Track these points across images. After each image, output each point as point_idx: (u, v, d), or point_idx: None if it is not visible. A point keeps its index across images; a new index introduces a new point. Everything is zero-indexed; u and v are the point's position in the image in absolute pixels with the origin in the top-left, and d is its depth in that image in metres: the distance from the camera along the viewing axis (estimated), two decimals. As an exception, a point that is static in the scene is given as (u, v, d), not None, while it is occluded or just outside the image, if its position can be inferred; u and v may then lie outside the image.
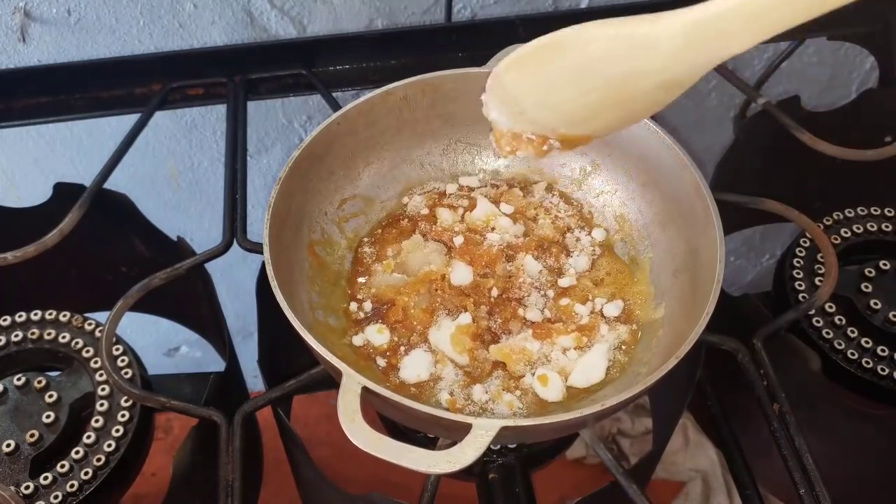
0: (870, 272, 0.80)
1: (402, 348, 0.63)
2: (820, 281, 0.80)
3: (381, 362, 0.63)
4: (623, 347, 0.64)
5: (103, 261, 0.94)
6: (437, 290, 0.66)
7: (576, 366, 0.62)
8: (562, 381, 0.61)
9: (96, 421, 0.70)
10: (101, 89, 0.91)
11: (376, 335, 0.64)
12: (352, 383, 0.51)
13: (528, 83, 0.48)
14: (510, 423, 0.49)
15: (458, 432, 0.49)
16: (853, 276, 0.80)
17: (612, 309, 0.66)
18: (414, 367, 0.62)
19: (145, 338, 1.40)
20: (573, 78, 0.46)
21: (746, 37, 0.39)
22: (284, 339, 0.64)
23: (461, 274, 0.66)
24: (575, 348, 0.63)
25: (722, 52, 0.40)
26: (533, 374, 0.62)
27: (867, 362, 0.74)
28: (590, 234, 0.72)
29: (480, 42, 0.94)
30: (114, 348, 0.74)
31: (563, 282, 0.68)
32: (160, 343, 1.46)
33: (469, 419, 0.49)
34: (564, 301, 0.67)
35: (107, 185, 0.81)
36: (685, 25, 0.40)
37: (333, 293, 0.67)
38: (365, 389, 0.50)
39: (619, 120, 0.50)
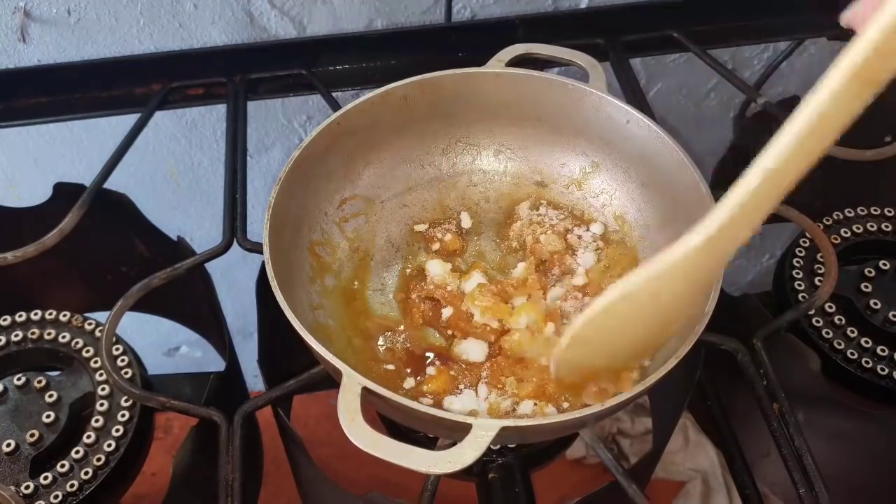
0: (870, 272, 0.80)
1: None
2: (820, 281, 0.80)
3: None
4: None
5: (103, 261, 0.94)
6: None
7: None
8: None
9: (96, 421, 0.70)
10: (101, 89, 0.91)
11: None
12: (352, 383, 0.51)
13: (589, 349, 0.52)
14: (510, 423, 0.49)
15: (458, 432, 0.49)
16: (853, 276, 0.80)
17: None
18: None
19: (145, 338, 1.40)
20: (624, 327, 0.50)
21: (747, 228, 0.43)
22: (284, 339, 0.64)
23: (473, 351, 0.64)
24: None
25: (733, 246, 0.44)
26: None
27: (867, 362, 0.74)
28: (588, 229, 0.72)
29: (480, 42, 0.94)
30: (114, 348, 0.74)
31: (576, 280, 0.68)
32: (160, 343, 1.46)
33: (469, 419, 0.49)
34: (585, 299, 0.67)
35: (107, 185, 0.81)
36: (702, 243, 0.43)
37: (346, 312, 0.67)
38: (365, 390, 0.50)
39: (673, 333, 0.55)
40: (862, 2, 0.41)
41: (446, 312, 0.66)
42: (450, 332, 0.65)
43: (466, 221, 0.74)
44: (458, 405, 0.60)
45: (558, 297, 0.67)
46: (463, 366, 0.63)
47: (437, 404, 0.60)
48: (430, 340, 0.66)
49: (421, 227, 0.73)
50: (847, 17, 0.42)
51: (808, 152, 0.42)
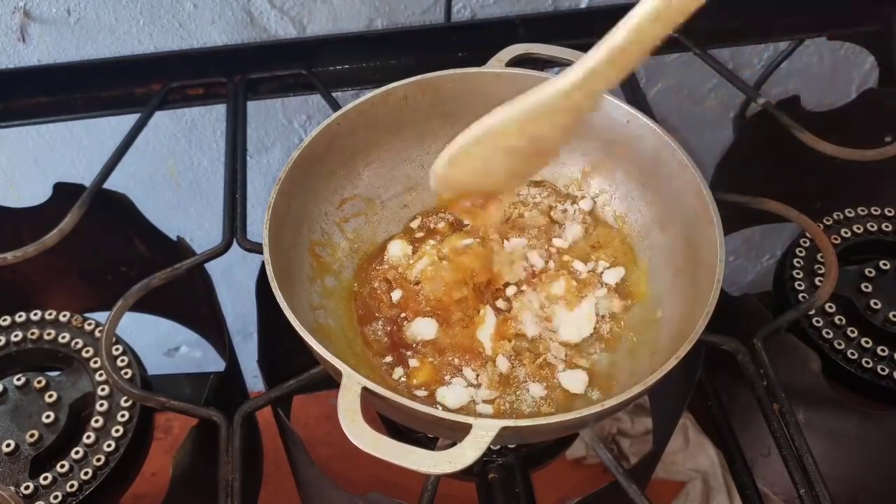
0: (870, 272, 0.80)
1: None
2: (820, 281, 0.80)
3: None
4: (613, 314, 0.66)
5: (103, 261, 0.94)
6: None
7: (563, 319, 0.65)
8: (585, 375, 0.62)
9: (96, 421, 0.70)
10: (101, 89, 0.91)
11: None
12: (352, 383, 0.51)
13: (466, 169, 0.57)
14: (510, 423, 0.49)
15: (458, 432, 0.49)
16: (853, 276, 0.80)
17: (612, 275, 0.67)
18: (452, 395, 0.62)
19: (145, 338, 1.39)
20: (498, 153, 0.56)
21: (610, 80, 0.51)
22: (284, 339, 0.64)
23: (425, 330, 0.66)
24: (564, 297, 0.66)
25: (599, 88, 0.51)
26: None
27: (867, 362, 0.74)
28: (575, 203, 0.72)
29: (480, 42, 0.94)
30: (114, 348, 0.74)
31: (558, 242, 0.70)
32: (160, 343, 1.46)
33: (469, 419, 0.49)
34: (565, 258, 0.69)
35: (107, 185, 0.81)
36: (569, 86, 0.50)
37: (347, 313, 0.67)
38: (365, 390, 0.50)
39: (543, 162, 0.62)
40: None
41: (396, 295, 0.67)
42: (402, 314, 0.66)
43: None
44: (451, 399, 0.60)
45: (523, 247, 0.69)
46: (438, 355, 0.63)
47: (431, 397, 0.61)
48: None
49: (415, 224, 0.73)
50: None
51: (644, 37, 0.50)
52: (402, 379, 0.62)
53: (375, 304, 0.67)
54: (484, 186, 0.60)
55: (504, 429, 0.49)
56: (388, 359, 0.64)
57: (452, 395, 0.60)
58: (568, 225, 0.71)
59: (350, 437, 0.48)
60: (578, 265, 0.69)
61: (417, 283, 0.67)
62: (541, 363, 0.63)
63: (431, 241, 0.70)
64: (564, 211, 0.72)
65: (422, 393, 0.61)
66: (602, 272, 0.68)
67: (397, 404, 0.51)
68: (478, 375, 0.62)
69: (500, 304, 0.66)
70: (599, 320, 0.66)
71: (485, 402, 0.61)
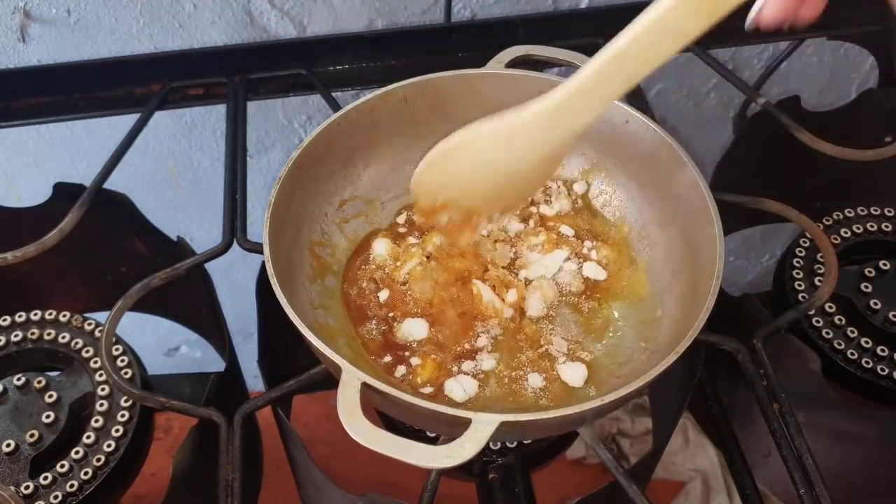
0: (870, 272, 0.80)
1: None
2: (820, 281, 0.80)
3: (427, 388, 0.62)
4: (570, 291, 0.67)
5: (103, 261, 0.94)
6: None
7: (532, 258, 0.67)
8: (584, 368, 0.62)
9: (96, 421, 0.70)
10: (101, 89, 0.91)
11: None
12: (351, 378, 0.51)
13: (442, 179, 0.58)
14: (510, 417, 0.49)
15: (457, 428, 0.49)
16: (853, 276, 0.80)
17: (592, 270, 0.68)
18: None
19: (145, 338, 1.39)
20: (475, 168, 0.56)
21: (592, 109, 0.50)
22: (284, 339, 0.64)
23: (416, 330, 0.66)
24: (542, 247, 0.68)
25: (580, 122, 0.51)
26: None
27: (867, 362, 0.74)
28: (564, 184, 0.74)
29: (480, 42, 0.94)
30: (114, 348, 0.74)
31: (544, 209, 0.71)
32: (160, 343, 1.46)
33: (469, 414, 0.49)
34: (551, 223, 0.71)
35: (107, 185, 0.81)
36: (547, 109, 0.50)
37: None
38: (364, 385, 0.50)
39: (521, 193, 0.63)
40: (765, 3, 0.47)
41: (383, 295, 0.67)
42: (390, 314, 0.66)
43: None
44: (458, 391, 0.60)
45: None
46: (440, 350, 0.63)
47: (439, 392, 0.61)
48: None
49: (401, 218, 0.73)
50: (752, 19, 0.48)
51: (650, 50, 0.46)
52: (409, 377, 0.62)
53: (366, 305, 0.67)
54: (460, 201, 0.60)
55: (503, 423, 0.49)
56: (388, 358, 0.64)
57: (459, 387, 0.60)
58: (555, 198, 0.72)
59: (349, 431, 0.48)
60: (566, 229, 0.70)
61: (405, 283, 0.67)
62: (542, 353, 0.63)
63: (413, 239, 0.70)
64: (549, 188, 0.73)
65: (427, 390, 0.61)
66: (588, 252, 0.69)
67: (396, 399, 0.51)
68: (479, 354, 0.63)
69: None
70: (563, 285, 0.67)
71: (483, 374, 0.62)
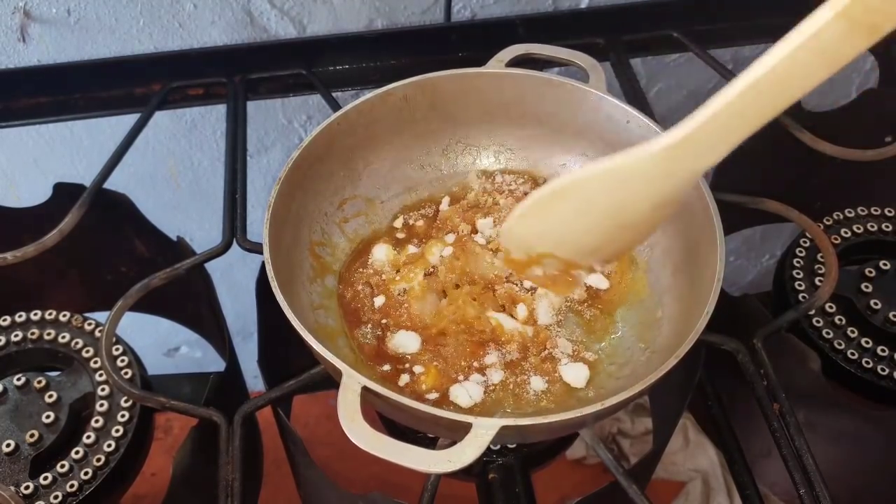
0: (870, 272, 0.80)
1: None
2: (820, 281, 0.80)
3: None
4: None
5: (103, 261, 0.94)
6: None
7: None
8: (586, 369, 0.62)
9: (96, 421, 0.70)
10: (101, 89, 0.91)
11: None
12: (352, 383, 0.51)
13: (538, 229, 0.52)
14: (510, 422, 0.49)
15: (457, 432, 0.49)
16: (853, 276, 0.80)
17: (596, 279, 0.67)
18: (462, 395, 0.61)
19: (145, 338, 1.40)
20: (577, 216, 0.50)
21: (717, 149, 0.44)
22: (284, 339, 0.64)
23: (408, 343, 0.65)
24: None
25: (700, 165, 0.45)
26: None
27: (867, 362, 0.74)
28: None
29: (480, 42, 0.94)
30: (114, 348, 0.74)
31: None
32: (160, 343, 1.46)
33: (469, 418, 0.49)
34: None
35: (107, 185, 0.81)
36: (664, 150, 0.44)
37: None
38: (365, 389, 0.50)
39: (626, 243, 0.56)
40: None
41: (378, 301, 0.66)
42: (384, 320, 0.65)
43: (445, 205, 0.73)
44: (463, 397, 0.60)
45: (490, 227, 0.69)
46: (442, 358, 0.63)
47: (444, 398, 0.60)
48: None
49: (398, 223, 0.73)
50: None
51: (784, 85, 0.40)
52: (413, 385, 0.61)
53: (360, 308, 0.66)
54: (558, 252, 0.54)
55: (504, 428, 0.49)
56: (387, 367, 0.63)
57: (465, 393, 0.60)
58: None
59: (350, 436, 0.48)
60: None
61: (401, 294, 0.66)
62: (545, 356, 0.63)
63: (413, 248, 0.69)
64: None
65: (433, 396, 0.60)
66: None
67: (397, 403, 0.51)
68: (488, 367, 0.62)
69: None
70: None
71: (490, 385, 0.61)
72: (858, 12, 0.35)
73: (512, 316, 0.64)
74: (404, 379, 0.62)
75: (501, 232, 0.54)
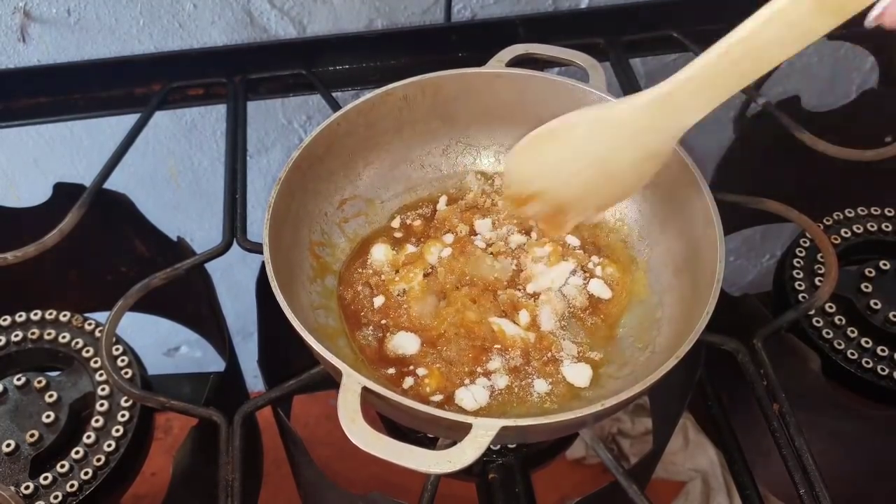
0: (870, 272, 0.80)
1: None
2: (820, 281, 0.80)
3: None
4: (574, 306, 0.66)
5: (103, 261, 0.94)
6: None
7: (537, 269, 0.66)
8: (589, 369, 0.62)
9: (96, 421, 0.70)
10: (101, 89, 0.91)
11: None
12: (352, 383, 0.51)
13: (533, 166, 0.57)
14: (510, 422, 0.49)
15: (458, 432, 0.49)
16: (853, 276, 0.80)
17: (599, 287, 0.66)
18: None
19: (145, 338, 1.39)
20: (568, 159, 0.55)
21: (696, 108, 0.47)
22: (284, 339, 0.64)
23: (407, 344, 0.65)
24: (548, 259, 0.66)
25: (681, 122, 0.49)
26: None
27: (867, 362, 0.74)
28: None
29: (480, 42, 0.94)
30: (114, 348, 0.74)
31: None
32: (160, 343, 1.46)
33: (469, 419, 0.49)
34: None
35: (107, 185, 0.81)
36: (646, 103, 0.48)
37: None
38: (365, 389, 0.50)
39: (611, 195, 0.60)
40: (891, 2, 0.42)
41: (378, 301, 0.66)
42: (383, 321, 0.65)
43: (442, 204, 0.73)
44: (469, 400, 0.59)
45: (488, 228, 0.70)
46: (444, 361, 0.62)
47: (448, 401, 0.60)
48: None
49: (395, 223, 0.73)
50: (874, 17, 0.43)
51: (757, 53, 0.45)
52: (417, 387, 0.61)
53: (359, 309, 0.66)
54: (552, 192, 0.58)
55: (504, 428, 0.49)
56: (391, 370, 0.62)
57: (470, 396, 0.60)
58: None
59: (350, 436, 0.48)
60: (571, 239, 0.69)
61: (400, 295, 0.66)
62: (548, 358, 0.63)
63: (411, 247, 0.69)
64: None
65: (437, 398, 0.60)
66: (594, 268, 0.68)
67: (397, 404, 0.51)
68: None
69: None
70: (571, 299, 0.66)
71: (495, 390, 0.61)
72: None
73: (514, 322, 0.64)
74: (408, 382, 0.61)
75: (505, 163, 0.59)
